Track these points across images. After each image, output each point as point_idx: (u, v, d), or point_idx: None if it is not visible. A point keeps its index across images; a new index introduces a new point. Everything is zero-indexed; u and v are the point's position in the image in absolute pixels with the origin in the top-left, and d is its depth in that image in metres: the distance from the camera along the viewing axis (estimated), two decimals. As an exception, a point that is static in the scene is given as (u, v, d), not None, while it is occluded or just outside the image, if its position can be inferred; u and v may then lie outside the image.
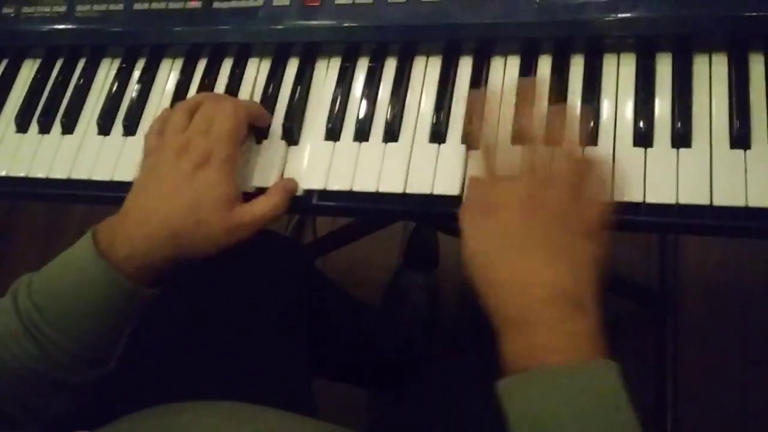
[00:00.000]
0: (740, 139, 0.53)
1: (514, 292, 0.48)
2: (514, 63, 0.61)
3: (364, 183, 0.59)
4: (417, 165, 0.58)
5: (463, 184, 0.57)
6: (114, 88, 0.69)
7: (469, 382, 0.66)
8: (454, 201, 0.56)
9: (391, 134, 0.60)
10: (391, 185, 0.58)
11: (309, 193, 0.60)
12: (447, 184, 0.57)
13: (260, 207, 0.57)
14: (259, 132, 0.63)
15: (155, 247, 0.54)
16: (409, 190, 0.58)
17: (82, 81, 0.71)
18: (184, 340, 0.73)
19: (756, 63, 0.55)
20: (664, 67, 0.57)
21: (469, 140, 0.58)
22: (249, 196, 0.58)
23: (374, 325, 1.10)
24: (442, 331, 1.23)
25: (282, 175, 0.61)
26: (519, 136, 0.55)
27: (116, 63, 0.71)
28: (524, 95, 0.57)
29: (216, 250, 0.56)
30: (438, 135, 0.59)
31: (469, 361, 0.70)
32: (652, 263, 1.23)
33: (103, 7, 0.69)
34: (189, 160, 0.56)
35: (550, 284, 0.47)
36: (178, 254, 0.56)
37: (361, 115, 0.62)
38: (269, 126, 0.63)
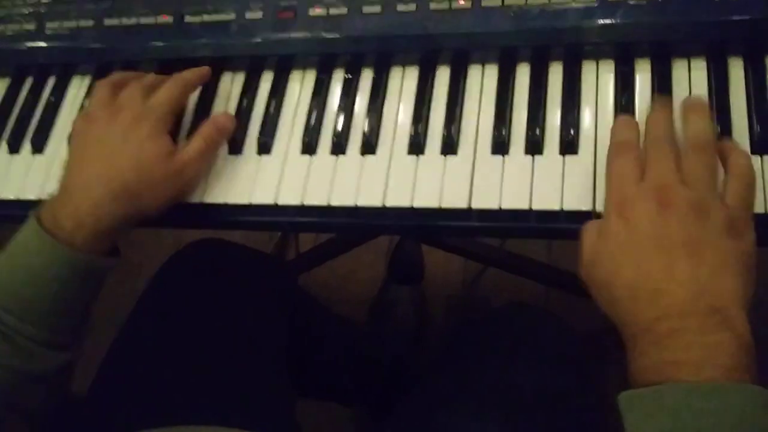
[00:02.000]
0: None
1: (644, 298, 0.43)
2: (492, 72, 0.60)
3: (342, 197, 0.58)
4: (396, 178, 0.57)
5: (442, 195, 0.55)
6: (85, 106, 0.68)
7: (456, 397, 0.65)
8: (434, 213, 0.55)
9: (369, 147, 0.59)
10: (370, 199, 0.57)
11: (286, 209, 0.59)
12: (427, 197, 0.56)
13: (195, 144, 0.58)
14: (234, 145, 0.62)
15: (104, 212, 0.54)
16: (388, 204, 0.57)
17: (53, 99, 0.69)
18: (164, 360, 0.71)
19: (735, 67, 0.55)
20: (643, 73, 0.56)
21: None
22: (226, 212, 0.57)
23: (360, 342, 1.09)
24: (429, 346, 1.21)
25: (256, 188, 0.60)
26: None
27: (87, 80, 0.70)
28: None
29: (164, 200, 0.57)
30: (417, 146, 0.58)
31: (455, 377, 0.69)
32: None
33: (73, 23, 0.68)
34: (121, 122, 0.57)
35: (688, 288, 0.42)
36: (127, 214, 0.56)
37: (338, 127, 0.60)
38: (244, 137, 0.62)
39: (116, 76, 0.62)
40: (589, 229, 0.48)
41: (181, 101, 0.61)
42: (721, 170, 0.48)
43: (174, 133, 0.62)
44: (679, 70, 0.56)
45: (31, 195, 0.64)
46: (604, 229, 0.46)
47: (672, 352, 0.41)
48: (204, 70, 0.64)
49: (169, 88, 0.60)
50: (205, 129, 0.60)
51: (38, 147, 0.67)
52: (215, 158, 0.61)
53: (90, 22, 0.67)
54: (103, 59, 0.68)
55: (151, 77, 0.62)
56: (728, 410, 0.39)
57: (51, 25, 0.68)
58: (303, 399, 0.79)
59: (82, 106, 0.68)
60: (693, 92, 0.55)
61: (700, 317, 0.41)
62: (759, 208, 0.49)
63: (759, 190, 0.49)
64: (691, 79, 0.55)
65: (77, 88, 0.70)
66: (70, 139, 0.60)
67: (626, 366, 0.43)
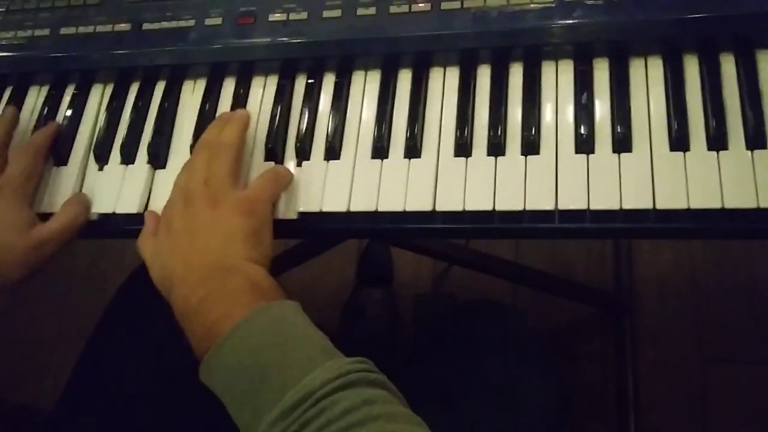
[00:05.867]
0: (679, 141, 0.53)
1: (180, 279, 0.51)
2: (453, 74, 0.60)
3: (309, 203, 0.58)
4: (360, 182, 0.57)
5: (407, 198, 0.56)
6: (43, 116, 0.66)
7: (431, 395, 0.65)
8: (401, 216, 0.55)
9: (333, 152, 0.59)
10: (336, 204, 0.57)
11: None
12: (391, 200, 0.56)
13: (59, 220, 0.59)
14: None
15: None
16: (353, 208, 0.56)
17: (8, 110, 0.67)
18: (133, 372, 0.70)
19: (690, 65, 0.56)
20: (601, 72, 0.57)
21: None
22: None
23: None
24: (401, 346, 1.21)
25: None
26: None
27: (44, 90, 0.68)
28: None
29: (27, 270, 0.58)
30: (380, 150, 0.58)
31: (423, 374, 0.69)
32: (607, 267, 1.24)
33: (28, 33, 0.66)
34: None
35: (206, 262, 0.51)
36: None
37: (301, 133, 0.60)
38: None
39: None
40: (146, 243, 0.56)
41: (37, 166, 0.61)
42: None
43: (134, 148, 0.62)
44: (636, 68, 0.57)
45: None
46: (156, 246, 0.56)
47: (209, 314, 0.49)
48: (51, 128, 0.64)
49: (20, 157, 0.61)
50: (68, 205, 0.60)
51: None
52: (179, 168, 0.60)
53: (46, 31, 0.66)
54: (61, 68, 0.67)
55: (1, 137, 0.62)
56: (267, 323, 0.47)
57: (5, 35, 0.67)
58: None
59: (39, 118, 0.67)
60: (650, 90, 0.56)
61: (218, 277, 0.50)
62: (750, 203, 0.50)
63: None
64: (647, 76, 0.56)
65: (35, 97, 0.68)
66: None
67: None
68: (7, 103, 0.69)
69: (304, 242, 1.19)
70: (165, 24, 0.63)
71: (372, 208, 0.56)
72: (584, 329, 1.22)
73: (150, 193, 0.61)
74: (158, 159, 0.62)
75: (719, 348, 1.15)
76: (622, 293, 1.22)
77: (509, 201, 0.53)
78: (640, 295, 1.21)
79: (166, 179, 0.61)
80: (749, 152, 0.52)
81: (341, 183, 0.57)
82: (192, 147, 0.62)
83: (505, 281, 1.18)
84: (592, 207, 0.52)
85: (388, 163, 0.57)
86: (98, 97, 0.67)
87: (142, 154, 0.63)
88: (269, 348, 0.46)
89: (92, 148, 0.64)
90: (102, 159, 0.64)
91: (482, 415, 0.62)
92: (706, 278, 1.21)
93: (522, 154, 0.55)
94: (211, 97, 0.64)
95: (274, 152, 0.60)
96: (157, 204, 0.60)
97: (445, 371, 0.67)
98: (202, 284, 0.50)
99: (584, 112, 0.56)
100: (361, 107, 0.61)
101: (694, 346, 1.16)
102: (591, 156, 0.54)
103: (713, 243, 1.21)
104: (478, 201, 0.54)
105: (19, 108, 0.68)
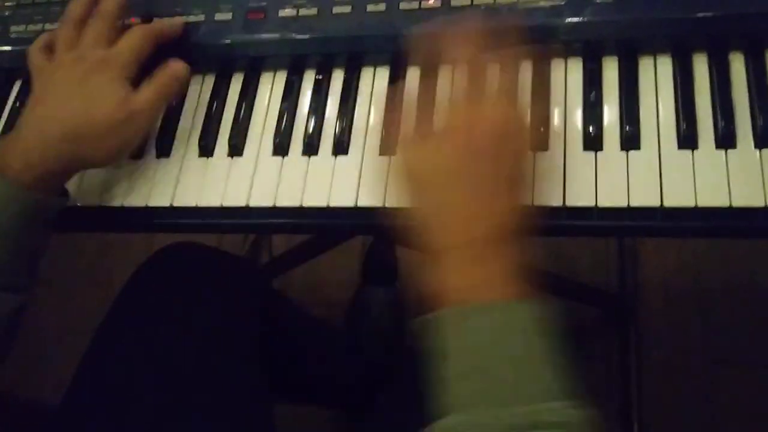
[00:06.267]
0: (687, 139, 0.53)
1: (452, 219, 0.48)
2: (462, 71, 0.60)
3: (315, 198, 0.58)
4: (367, 177, 0.57)
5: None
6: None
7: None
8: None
9: (341, 147, 0.59)
10: (343, 200, 0.57)
11: (258, 210, 0.59)
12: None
13: (147, 92, 0.58)
14: (204, 148, 0.61)
15: (52, 154, 0.55)
16: (360, 204, 0.57)
17: (17, 104, 0.68)
18: (138, 369, 0.70)
19: (700, 64, 0.56)
20: (610, 71, 0.57)
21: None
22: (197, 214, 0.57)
23: (337, 345, 1.09)
24: (407, 345, 1.21)
25: (228, 190, 0.60)
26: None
27: (54, 84, 0.68)
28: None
29: (113, 146, 0.57)
30: (389, 147, 0.58)
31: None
32: (612, 269, 1.24)
33: (38, 27, 0.67)
34: (83, 68, 0.57)
35: (489, 218, 0.47)
36: (75, 157, 0.56)
37: (310, 128, 0.60)
38: (215, 140, 0.62)
39: (77, 9, 0.60)
40: (411, 142, 0.51)
41: (147, 50, 0.60)
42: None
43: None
44: (645, 66, 0.57)
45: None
46: (418, 153, 0.50)
47: (479, 272, 0.46)
48: (177, 22, 0.63)
49: (135, 34, 0.59)
50: (159, 77, 0.59)
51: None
52: (185, 161, 0.61)
53: (56, 25, 0.66)
54: (70, 62, 0.67)
55: (113, 10, 0.60)
56: (537, 316, 0.45)
57: (16, 29, 0.67)
58: (279, 403, 0.79)
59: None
60: (659, 88, 0.56)
61: (494, 245, 0.47)
62: (758, 201, 0.50)
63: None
64: (657, 75, 0.56)
65: (43, 92, 0.69)
66: (33, 75, 0.60)
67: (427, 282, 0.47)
68: (16, 96, 0.69)
69: (309, 240, 1.19)
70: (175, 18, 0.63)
71: (379, 204, 0.56)
72: (588, 331, 1.22)
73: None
74: (165, 152, 0.63)
75: (723, 351, 1.15)
76: (626, 295, 1.22)
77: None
78: (644, 297, 1.21)
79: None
80: (758, 151, 0.52)
81: (349, 178, 0.58)
82: (199, 144, 0.62)
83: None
84: (600, 204, 0.52)
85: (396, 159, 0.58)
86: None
87: (151, 148, 0.63)
88: (530, 344, 0.44)
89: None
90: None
91: None
92: (711, 281, 1.20)
93: (531, 150, 0.55)
94: (219, 92, 0.64)
95: (282, 147, 0.60)
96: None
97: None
98: (488, 242, 0.47)
99: (593, 109, 0.56)
100: (370, 103, 0.61)
101: (698, 348, 1.16)
102: (599, 153, 0.54)
103: (718, 245, 1.21)
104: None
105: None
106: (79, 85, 0.57)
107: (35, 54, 0.61)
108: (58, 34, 0.60)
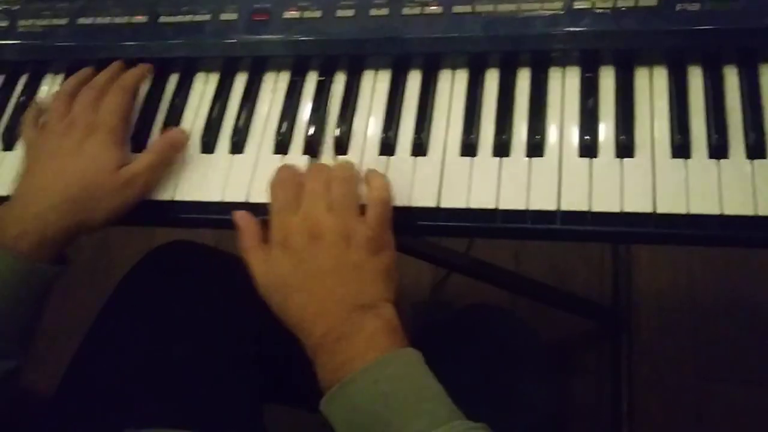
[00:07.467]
0: (680, 148, 0.54)
1: (311, 319, 0.51)
2: (462, 77, 0.61)
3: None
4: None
5: (411, 195, 0.57)
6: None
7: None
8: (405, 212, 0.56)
9: (341, 148, 0.60)
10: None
11: (258, 206, 0.59)
12: (399, 197, 0.56)
13: (145, 159, 0.59)
14: (206, 146, 0.62)
15: (49, 222, 0.55)
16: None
17: (23, 98, 0.69)
18: (131, 363, 0.70)
19: (695, 76, 0.57)
20: (607, 80, 0.58)
21: None
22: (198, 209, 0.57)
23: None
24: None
25: (229, 186, 0.60)
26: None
27: (59, 78, 0.69)
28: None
29: (111, 212, 0.58)
30: (388, 148, 0.59)
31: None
32: (606, 281, 1.25)
33: (46, 21, 0.68)
34: (74, 136, 0.58)
35: (343, 302, 0.51)
36: (73, 224, 0.57)
37: (311, 129, 0.61)
38: (217, 136, 0.63)
39: (71, 83, 0.63)
40: (256, 255, 0.54)
41: (128, 106, 0.62)
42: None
43: (145, 135, 0.63)
44: (641, 77, 0.58)
45: (2, 191, 0.64)
46: (271, 259, 0.53)
47: (343, 353, 0.49)
48: (142, 69, 0.65)
49: (116, 95, 0.61)
50: (157, 143, 0.61)
51: (8, 145, 0.67)
52: (188, 157, 0.62)
53: (63, 21, 0.67)
54: (76, 58, 0.68)
55: (100, 80, 0.63)
56: (401, 368, 0.49)
57: (23, 23, 0.68)
58: (271, 404, 0.79)
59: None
60: (654, 99, 0.57)
61: (357, 317, 0.50)
62: (749, 210, 0.51)
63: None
64: (652, 86, 0.57)
65: (49, 86, 0.70)
66: (25, 148, 0.62)
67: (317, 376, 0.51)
68: (22, 90, 0.70)
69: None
70: (181, 17, 0.64)
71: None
72: (580, 343, 1.22)
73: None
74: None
75: (716, 367, 1.15)
76: (619, 308, 1.22)
77: (511, 200, 0.54)
78: (637, 311, 1.21)
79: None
80: (749, 162, 0.53)
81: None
82: (201, 140, 0.63)
83: (503, 291, 1.18)
84: (594, 209, 0.53)
85: (395, 160, 0.59)
86: (112, 86, 0.68)
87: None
88: (399, 394, 0.48)
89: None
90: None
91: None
92: (704, 296, 1.21)
93: (527, 156, 0.56)
94: (222, 91, 0.65)
95: (283, 146, 0.61)
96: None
97: (441, 378, 0.67)
98: (341, 323, 0.51)
99: (589, 118, 0.57)
100: (370, 106, 0.62)
101: (690, 364, 1.16)
102: (594, 160, 0.55)
103: (712, 261, 1.21)
104: (482, 199, 0.55)
105: (32, 97, 0.69)
106: (72, 155, 0.58)
107: (28, 130, 0.62)
108: (50, 108, 0.62)
